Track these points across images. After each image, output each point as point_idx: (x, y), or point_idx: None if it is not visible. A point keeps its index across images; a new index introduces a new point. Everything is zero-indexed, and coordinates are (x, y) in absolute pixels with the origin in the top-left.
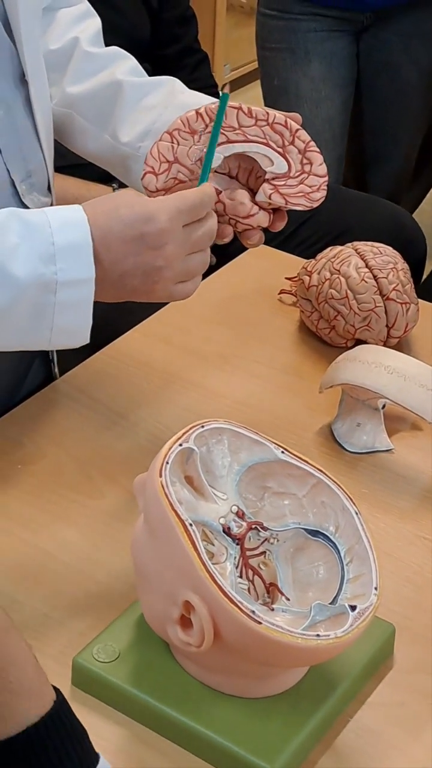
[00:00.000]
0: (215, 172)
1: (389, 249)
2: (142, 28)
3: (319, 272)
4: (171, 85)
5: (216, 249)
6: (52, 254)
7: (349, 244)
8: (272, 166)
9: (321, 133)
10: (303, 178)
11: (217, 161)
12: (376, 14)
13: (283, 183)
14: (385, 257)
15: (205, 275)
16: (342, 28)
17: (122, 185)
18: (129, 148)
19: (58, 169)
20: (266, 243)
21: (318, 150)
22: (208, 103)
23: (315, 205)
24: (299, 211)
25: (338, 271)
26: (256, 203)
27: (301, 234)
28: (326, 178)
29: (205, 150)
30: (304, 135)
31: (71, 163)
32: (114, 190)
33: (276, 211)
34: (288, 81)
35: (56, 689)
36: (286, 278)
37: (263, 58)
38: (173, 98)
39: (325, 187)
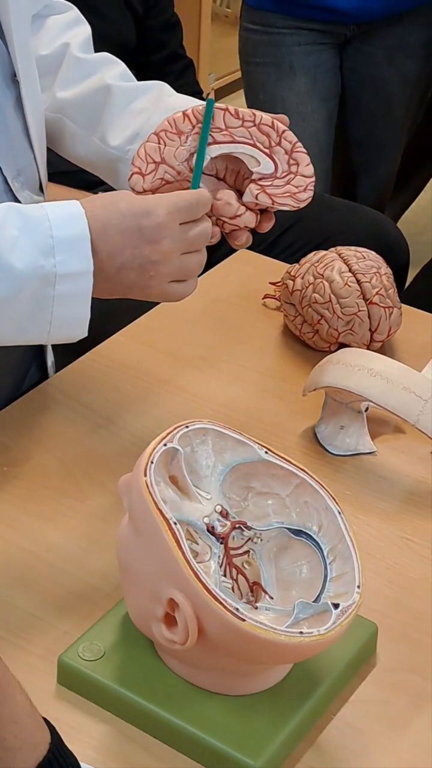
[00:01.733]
0: (203, 173)
1: (372, 254)
2: (127, 34)
3: (303, 276)
4: (159, 89)
5: None
6: (51, 246)
7: (333, 249)
8: (259, 166)
9: (309, 147)
10: (290, 178)
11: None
12: (359, 27)
13: (269, 183)
14: (369, 262)
15: None
16: (325, 41)
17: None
18: (118, 151)
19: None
20: (250, 248)
21: (305, 151)
22: (196, 105)
23: (302, 205)
24: (287, 211)
25: (322, 275)
26: (242, 204)
27: (285, 241)
28: (313, 179)
29: (192, 152)
30: (290, 136)
31: (57, 171)
32: None
33: (263, 211)
34: (274, 96)
35: (50, 726)
36: (270, 283)
37: (247, 73)
38: (161, 101)
39: (312, 188)
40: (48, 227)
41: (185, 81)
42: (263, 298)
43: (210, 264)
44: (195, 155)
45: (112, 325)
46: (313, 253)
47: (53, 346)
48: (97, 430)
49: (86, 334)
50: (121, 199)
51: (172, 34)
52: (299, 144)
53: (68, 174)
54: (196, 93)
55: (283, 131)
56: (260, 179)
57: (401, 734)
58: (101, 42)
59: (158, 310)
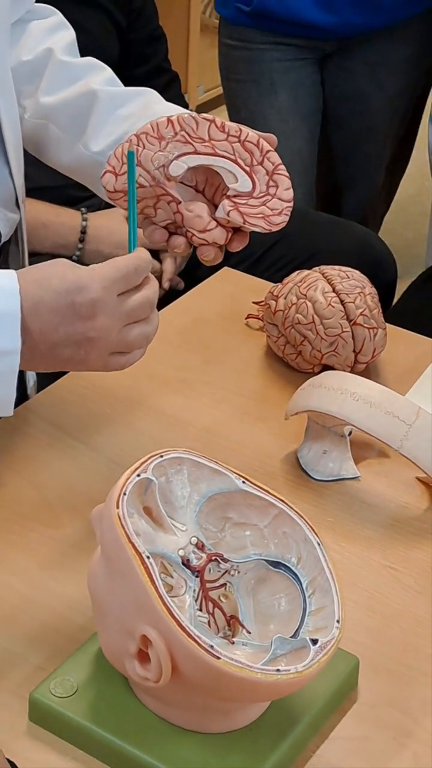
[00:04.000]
0: (181, 183)
1: (357, 273)
2: (110, 48)
3: (286, 297)
4: (147, 96)
5: (184, 273)
6: None
7: (317, 268)
8: (236, 183)
9: (292, 165)
10: (266, 200)
11: (180, 170)
12: (339, 43)
13: (244, 202)
14: (353, 281)
15: (172, 299)
16: (305, 56)
17: (90, 210)
18: (100, 156)
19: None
20: (234, 266)
21: (287, 174)
22: (184, 112)
23: (274, 228)
24: (260, 233)
25: (305, 295)
26: (214, 219)
27: (270, 257)
28: (290, 204)
29: (171, 159)
30: (274, 157)
31: (39, 186)
32: (83, 214)
33: (237, 230)
34: (255, 113)
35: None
36: (254, 302)
37: (228, 90)
38: (149, 109)
39: (288, 213)
40: None
41: (170, 95)
42: (246, 318)
43: (193, 282)
44: (168, 167)
45: None
46: (297, 272)
47: None
48: (74, 455)
49: (11, 413)
50: (53, 275)
51: (157, 48)
52: (282, 166)
53: (50, 189)
54: (181, 107)
55: (268, 151)
56: (235, 196)
57: None
58: (83, 55)
59: None
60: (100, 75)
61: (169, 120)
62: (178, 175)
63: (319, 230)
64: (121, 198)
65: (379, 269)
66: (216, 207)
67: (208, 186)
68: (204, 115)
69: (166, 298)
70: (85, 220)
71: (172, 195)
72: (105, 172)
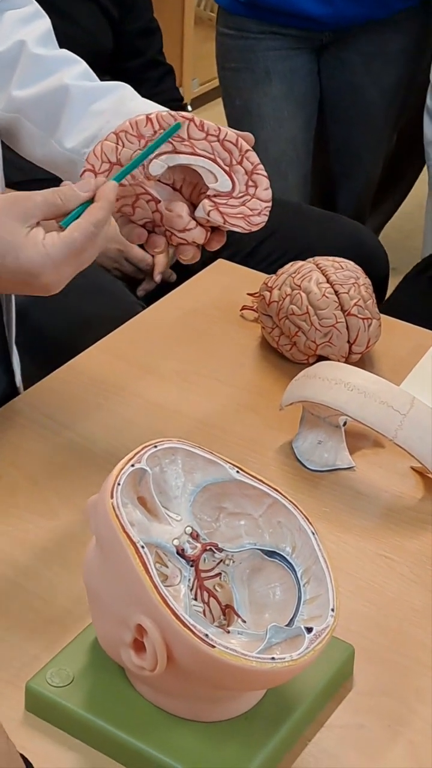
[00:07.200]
0: (158, 181)
1: (351, 264)
2: (103, 40)
3: (280, 288)
4: (121, 91)
5: (177, 265)
6: None
7: (311, 259)
8: (216, 183)
9: (285, 152)
10: (245, 200)
11: (159, 169)
12: (334, 34)
13: (224, 202)
14: (347, 272)
15: (165, 291)
16: (301, 45)
17: None
18: (73, 153)
19: (17, 184)
20: (228, 259)
21: (266, 174)
22: (160, 110)
23: (253, 229)
24: (238, 232)
25: (299, 286)
26: (194, 218)
27: (262, 251)
28: (269, 204)
29: (152, 159)
30: (253, 157)
31: (33, 178)
32: None
33: (215, 229)
34: (250, 101)
35: (25, 759)
36: (248, 294)
37: (224, 78)
38: (122, 105)
39: (267, 213)
40: None
41: (164, 88)
42: (241, 310)
43: (187, 274)
44: (148, 166)
45: (85, 338)
46: (291, 263)
47: (21, 353)
48: (69, 446)
49: None
50: (8, 253)
51: (150, 41)
52: (261, 166)
53: (45, 181)
54: (176, 100)
55: (247, 151)
56: (215, 196)
57: (377, 760)
58: (74, 48)
59: (132, 323)
60: (74, 69)
61: (148, 118)
62: (157, 174)
63: (312, 225)
64: None
65: (371, 264)
66: (194, 205)
67: (185, 184)
68: (183, 113)
69: (158, 290)
70: None
71: (151, 194)
72: (84, 171)
